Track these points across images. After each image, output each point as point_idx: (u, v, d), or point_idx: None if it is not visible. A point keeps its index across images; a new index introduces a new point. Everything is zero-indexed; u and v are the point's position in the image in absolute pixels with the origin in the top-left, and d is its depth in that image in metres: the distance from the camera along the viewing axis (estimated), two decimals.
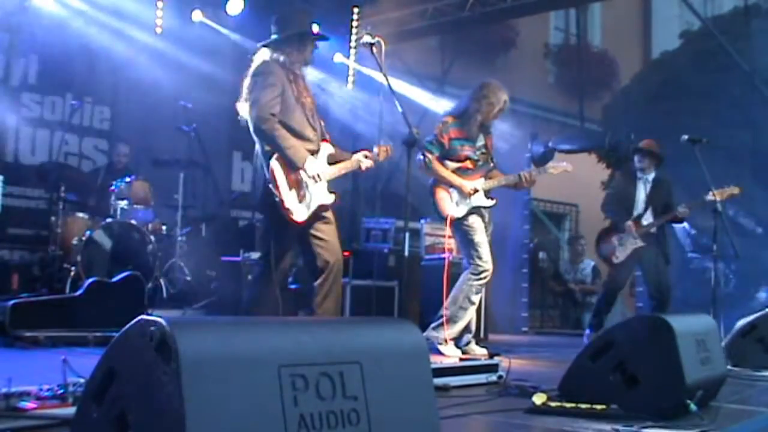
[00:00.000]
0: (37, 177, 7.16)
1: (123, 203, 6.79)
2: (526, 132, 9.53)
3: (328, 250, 4.26)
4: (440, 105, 9.21)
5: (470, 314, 5.09)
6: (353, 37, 9.60)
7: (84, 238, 6.37)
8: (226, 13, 8.24)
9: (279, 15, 4.41)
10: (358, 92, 9.83)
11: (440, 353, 4.82)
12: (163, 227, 7.21)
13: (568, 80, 13.70)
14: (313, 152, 4.31)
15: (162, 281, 6.83)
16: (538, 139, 9.61)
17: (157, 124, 7.75)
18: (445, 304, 5.02)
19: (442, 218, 5.15)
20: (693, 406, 2.77)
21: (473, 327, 5.28)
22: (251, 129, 4.20)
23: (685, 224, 8.48)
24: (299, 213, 4.19)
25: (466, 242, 5.08)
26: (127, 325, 1.53)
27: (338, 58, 9.52)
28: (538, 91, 12.92)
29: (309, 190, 4.25)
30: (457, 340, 5.07)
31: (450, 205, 5.09)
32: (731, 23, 10.82)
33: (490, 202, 5.15)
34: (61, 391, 2.59)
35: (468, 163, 5.15)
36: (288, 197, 4.15)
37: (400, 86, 9.48)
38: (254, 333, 1.59)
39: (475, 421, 2.88)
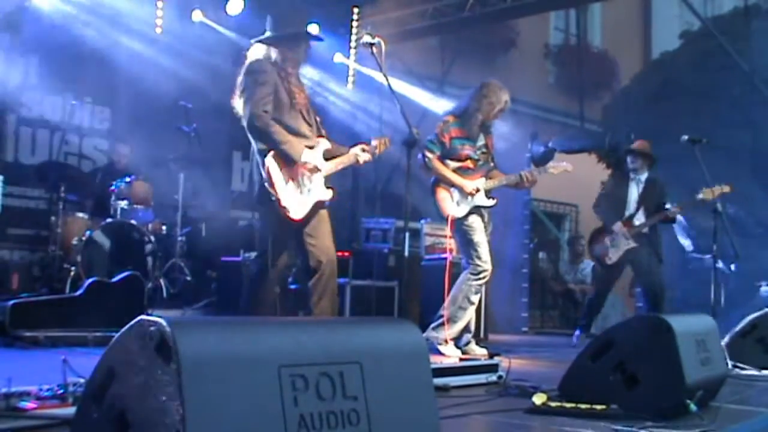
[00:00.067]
0: (37, 177, 7.16)
1: (123, 203, 6.79)
2: (526, 132, 9.53)
3: (321, 250, 4.26)
4: (440, 105, 9.21)
5: (469, 314, 5.09)
6: (353, 37, 9.60)
7: (84, 238, 6.37)
8: (226, 13, 8.24)
9: (275, 13, 4.41)
10: (358, 92, 9.83)
11: (440, 353, 4.82)
12: (163, 227, 7.21)
13: (568, 80, 13.72)
14: (309, 148, 4.31)
15: (162, 281, 6.83)
16: (538, 139, 9.61)
17: (157, 124, 7.75)
18: (445, 304, 5.02)
19: (443, 218, 5.15)
20: (693, 407, 2.77)
21: (473, 327, 5.28)
22: (246, 127, 4.20)
23: (682, 220, 8.48)
24: (296, 210, 4.18)
25: (466, 242, 5.08)
26: (127, 325, 1.53)
27: (338, 58, 9.52)
28: (538, 91, 12.93)
29: (306, 186, 4.24)
30: (456, 340, 5.07)
31: (451, 205, 5.09)
32: (731, 23, 10.83)
33: (491, 202, 5.16)
34: (61, 391, 2.59)
35: (469, 163, 5.15)
36: (285, 195, 4.15)
37: (400, 86, 9.48)
38: (254, 333, 1.59)
39: (475, 421, 2.88)
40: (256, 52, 4.30)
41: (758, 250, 8.34)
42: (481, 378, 3.81)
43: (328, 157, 4.44)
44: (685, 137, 5.80)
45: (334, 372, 1.62)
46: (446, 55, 11.85)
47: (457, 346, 5.04)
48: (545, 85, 14.11)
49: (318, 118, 4.50)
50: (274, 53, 4.27)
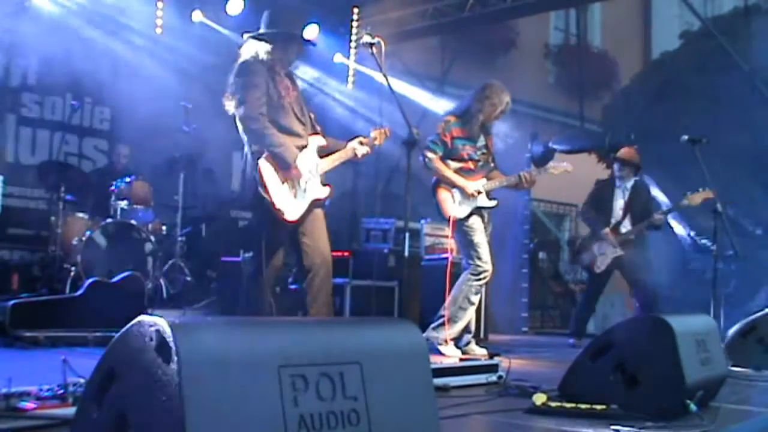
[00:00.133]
0: (37, 177, 7.16)
1: (123, 203, 6.79)
2: (526, 132, 9.53)
3: (315, 250, 4.26)
4: (440, 105, 9.21)
5: (470, 314, 5.10)
6: (353, 37, 9.60)
7: (84, 238, 6.36)
8: (226, 13, 8.24)
9: (269, 11, 4.40)
10: (359, 92, 9.83)
11: (440, 353, 4.82)
12: (163, 227, 7.21)
13: (568, 80, 13.72)
14: (302, 147, 4.30)
15: (162, 281, 6.83)
16: (538, 139, 9.61)
17: (157, 124, 7.75)
18: (445, 304, 5.02)
19: (444, 218, 5.15)
20: (693, 407, 2.77)
21: (473, 327, 5.29)
22: (240, 129, 4.20)
23: (685, 225, 8.49)
24: (291, 211, 4.18)
25: (466, 243, 5.08)
26: (127, 326, 1.53)
27: (338, 58, 9.52)
28: (538, 91, 12.93)
29: (302, 187, 4.24)
30: (456, 341, 5.07)
31: (452, 205, 5.09)
32: (731, 23, 10.83)
33: (492, 203, 5.16)
34: (61, 391, 2.59)
35: (470, 164, 5.16)
36: (279, 197, 4.15)
37: (400, 86, 9.47)
38: (254, 333, 1.59)
39: (475, 421, 2.88)
40: (248, 50, 4.30)
41: (758, 250, 8.34)
42: (481, 378, 3.81)
43: (325, 153, 4.42)
44: (685, 137, 5.81)
45: (334, 372, 1.62)
46: (446, 55, 11.85)
47: (458, 346, 5.04)
48: (545, 85, 14.12)
49: (312, 115, 4.49)
50: (263, 52, 4.27)
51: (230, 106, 4.22)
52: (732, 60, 8.81)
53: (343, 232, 9.30)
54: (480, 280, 5.03)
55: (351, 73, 9.81)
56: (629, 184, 6.88)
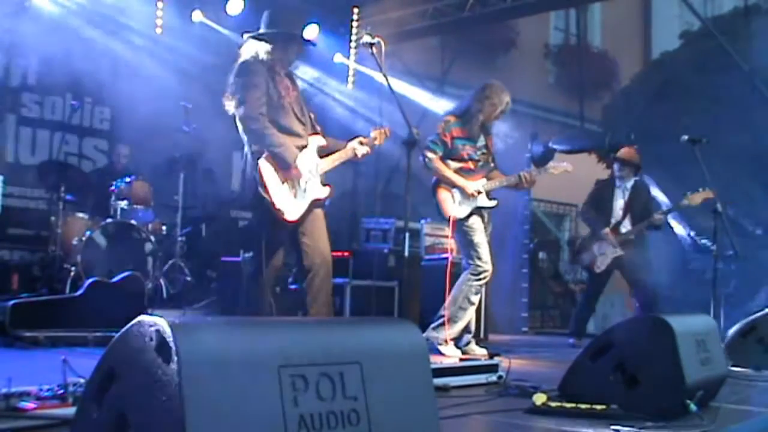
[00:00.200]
0: (37, 177, 7.16)
1: (123, 203, 6.79)
2: (526, 132, 9.53)
3: (315, 250, 4.26)
4: (440, 105, 9.20)
5: (470, 314, 5.10)
6: (353, 37, 9.60)
7: (84, 239, 6.36)
8: (226, 13, 8.24)
9: (269, 11, 4.40)
10: (359, 92, 9.83)
11: (440, 353, 4.82)
12: (163, 227, 7.21)
13: (568, 80, 13.72)
14: (302, 147, 4.30)
15: (162, 281, 6.83)
16: (538, 139, 9.61)
17: (157, 124, 7.75)
18: (445, 304, 5.02)
19: (444, 218, 5.15)
20: (693, 407, 2.77)
21: (473, 327, 5.29)
22: (240, 129, 4.20)
23: (685, 225, 8.50)
24: (291, 211, 4.18)
25: (466, 243, 5.08)
26: (127, 326, 1.53)
27: (338, 58, 9.52)
28: (538, 91, 12.93)
29: (302, 187, 4.24)
30: (456, 341, 5.07)
31: (452, 205, 5.09)
32: (731, 23, 10.83)
33: (492, 203, 5.16)
34: (61, 391, 2.59)
35: (470, 164, 5.15)
36: (278, 197, 4.15)
37: (400, 86, 9.47)
38: (254, 333, 1.59)
39: (475, 421, 2.88)
40: (247, 50, 4.30)
41: (758, 250, 8.34)
42: (481, 378, 3.81)
43: (324, 153, 4.42)
44: (685, 137, 5.81)
45: (334, 372, 1.62)
46: (446, 55, 11.85)
47: (458, 346, 5.04)
48: (545, 85, 14.12)
49: (312, 115, 4.49)
50: (263, 52, 4.27)
51: (230, 106, 4.22)
52: (732, 60, 8.81)
53: (343, 232, 9.30)
54: (480, 280, 5.03)
55: (351, 73, 9.81)
56: (629, 184, 6.90)
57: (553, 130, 11.15)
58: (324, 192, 4.35)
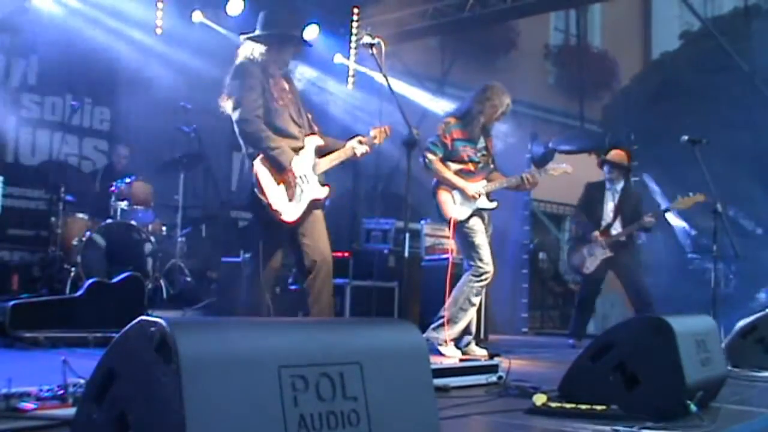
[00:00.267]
0: (37, 178, 7.17)
1: (123, 204, 6.79)
2: (526, 132, 9.53)
3: (315, 250, 4.25)
4: (440, 106, 9.21)
5: (470, 315, 5.09)
6: (353, 38, 9.61)
7: (84, 239, 6.37)
8: (226, 13, 8.24)
9: (264, 13, 4.40)
10: (359, 92, 9.83)
11: (440, 354, 4.82)
12: (163, 228, 7.21)
13: (568, 81, 13.72)
14: (299, 149, 4.30)
15: (162, 282, 6.83)
16: (538, 139, 9.61)
17: (157, 124, 7.76)
18: (446, 305, 5.02)
19: (445, 220, 5.15)
20: (693, 407, 2.77)
21: (473, 328, 5.28)
22: (237, 131, 4.20)
23: (685, 225, 8.50)
24: (289, 213, 4.17)
25: (467, 244, 5.07)
26: (127, 326, 1.53)
27: (338, 58, 9.52)
28: (539, 92, 12.93)
29: (299, 187, 4.23)
30: (457, 341, 5.06)
31: (453, 207, 5.09)
32: (731, 23, 10.84)
33: (492, 205, 5.15)
34: (61, 391, 2.59)
35: (470, 165, 5.15)
36: (275, 198, 4.14)
37: (400, 87, 9.48)
38: (254, 334, 1.59)
39: (475, 421, 2.88)
40: (243, 51, 4.30)
41: (758, 251, 8.34)
42: (481, 378, 3.81)
43: (323, 153, 4.42)
44: (685, 137, 5.81)
45: (334, 372, 1.62)
46: (446, 56, 11.85)
47: (458, 347, 5.03)
48: (545, 85, 14.12)
49: (309, 114, 4.48)
50: (258, 53, 4.27)
51: (227, 107, 4.23)
52: (732, 60, 8.81)
53: (343, 233, 9.30)
54: (482, 281, 5.03)
55: (351, 73, 9.81)
56: (619, 186, 6.92)
57: (553, 131, 11.15)
58: (322, 192, 4.34)
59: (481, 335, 6.39)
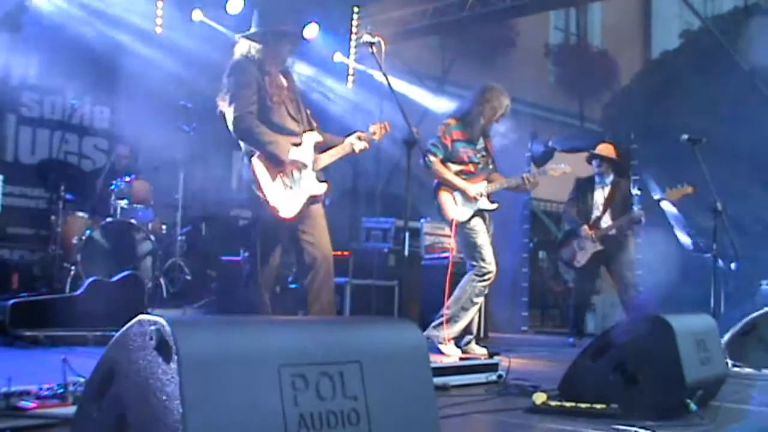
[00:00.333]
0: (37, 176, 7.16)
1: (123, 202, 6.78)
2: (526, 131, 9.53)
3: (316, 247, 4.24)
4: (440, 104, 9.21)
5: (471, 315, 5.09)
6: (353, 37, 9.60)
7: (84, 238, 6.36)
8: (226, 12, 8.23)
9: (258, 10, 4.39)
10: (358, 91, 9.83)
11: (440, 352, 4.82)
12: (163, 226, 7.21)
13: (568, 80, 13.74)
14: (297, 145, 4.29)
15: (162, 280, 6.83)
16: (538, 138, 9.61)
17: (157, 123, 7.75)
18: (447, 303, 5.01)
19: (446, 220, 5.15)
20: (693, 406, 2.77)
21: (474, 328, 5.28)
22: (230, 128, 4.19)
23: (680, 217, 8.51)
24: (287, 209, 4.16)
25: (469, 245, 5.06)
26: (127, 325, 1.53)
27: (338, 57, 9.52)
28: (538, 91, 12.94)
29: (297, 183, 4.22)
30: (457, 340, 5.06)
31: (454, 208, 5.08)
32: (731, 23, 10.84)
33: (493, 206, 5.15)
34: (61, 390, 2.59)
35: (470, 166, 5.14)
36: (273, 195, 4.13)
37: (400, 86, 9.47)
38: (254, 333, 1.59)
39: (475, 420, 2.88)
40: (239, 49, 4.30)
41: (758, 250, 8.33)
42: (481, 377, 3.82)
43: (322, 149, 4.41)
44: (685, 137, 5.81)
45: (334, 372, 1.62)
46: (446, 55, 11.86)
47: (458, 346, 5.03)
48: (545, 84, 14.13)
49: (308, 111, 4.47)
50: (255, 50, 4.26)
51: (223, 106, 4.22)
52: (732, 60, 8.81)
53: (343, 232, 9.30)
54: (484, 281, 5.02)
55: (351, 72, 9.81)
56: (609, 180, 6.95)
57: (553, 130, 11.16)
58: (321, 188, 4.32)
59: (481, 334, 6.39)
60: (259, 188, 4.10)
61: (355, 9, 9.60)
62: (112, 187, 6.80)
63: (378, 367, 1.71)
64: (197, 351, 1.42)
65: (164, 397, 1.39)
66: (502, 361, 4.00)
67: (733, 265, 8.22)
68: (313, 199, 4.27)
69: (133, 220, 6.70)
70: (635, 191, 8.10)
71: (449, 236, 5.35)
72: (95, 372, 1.60)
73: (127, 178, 6.85)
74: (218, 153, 8.45)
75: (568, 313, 7.44)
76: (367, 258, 7.07)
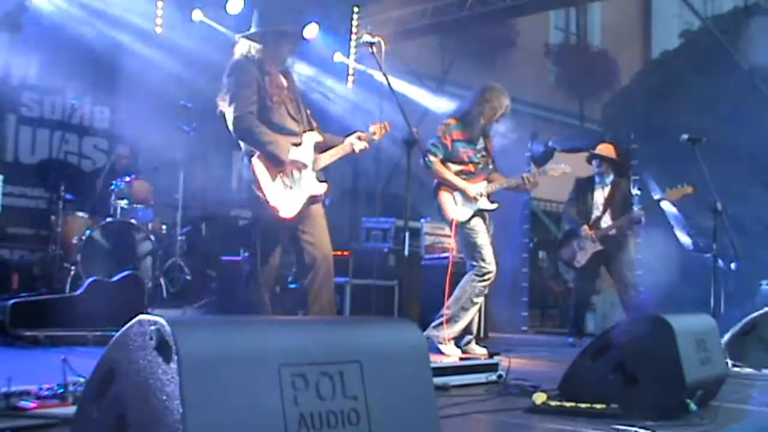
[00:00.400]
0: (37, 176, 7.16)
1: (123, 202, 6.78)
2: (526, 131, 9.53)
3: (316, 246, 4.24)
4: (440, 104, 9.20)
5: (471, 315, 5.09)
6: (353, 37, 9.60)
7: (84, 238, 6.36)
8: (226, 12, 8.23)
9: (258, 10, 4.39)
10: (358, 91, 9.82)
11: (440, 352, 4.82)
12: (163, 226, 7.21)
13: (569, 80, 13.74)
14: (297, 145, 4.29)
15: (162, 280, 6.83)
16: (538, 138, 9.61)
17: (157, 123, 7.74)
18: (447, 303, 5.01)
19: (446, 220, 5.14)
20: (693, 406, 2.77)
21: (474, 328, 5.28)
22: (230, 128, 4.19)
23: (680, 217, 8.51)
24: (287, 209, 4.15)
25: (469, 245, 5.06)
26: (127, 325, 1.53)
27: (338, 57, 9.52)
28: (539, 91, 12.94)
29: (297, 183, 4.22)
30: (457, 340, 5.06)
31: (454, 208, 5.08)
32: (731, 23, 10.84)
33: (493, 206, 5.15)
34: (61, 390, 2.59)
35: (470, 167, 5.14)
36: (273, 195, 4.13)
37: (400, 85, 9.47)
38: (254, 333, 1.59)
39: (475, 420, 2.88)
40: (239, 49, 4.30)
41: (758, 250, 8.33)
42: (481, 377, 3.82)
43: (322, 149, 4.40)
44: (685, 136, 5.81)
45: (334, 371, 1.62)
46: (446, 54, 11.86)
47: (458, 346, 5.03)
48: (545, 84, 14.13)
49: (308, 111, 4.47)
50: (255, 50, 4.26)
51: (223, 106, 4.22)
52: (732, 60, 8.81)
53: (343, 232, 9.30)
54: (484, 281, 5.02)
55: (351, 72, 9.81)
56: (608, 179, 6.95)
57: (553, 130, 11.16)
58: (321, 188, 4.32)
59: (481, 334, 6.39)
60: (259, 188, 4.10)
61: (355, 9, 9.60)
62: (112, 187, 6.80)
63: (378, 367, 1.71)
64: (197, 351, 1.42)
65: (164, 397, 1.39)
66: (502, 361, 4.00)
67: (733, 265, 8.22)
68: (313, 199, 4.27)
69: (133, 220, 6.70)
70: (635, 191, 8.10)
71: (449, 236, 5.34)
72: (95, 372, 1.60)
73: (127, 178, 6.85)
74: (218, 153, 8.45)
75: (568, 313, 7.45)
76: (367, 258, 7.07)
